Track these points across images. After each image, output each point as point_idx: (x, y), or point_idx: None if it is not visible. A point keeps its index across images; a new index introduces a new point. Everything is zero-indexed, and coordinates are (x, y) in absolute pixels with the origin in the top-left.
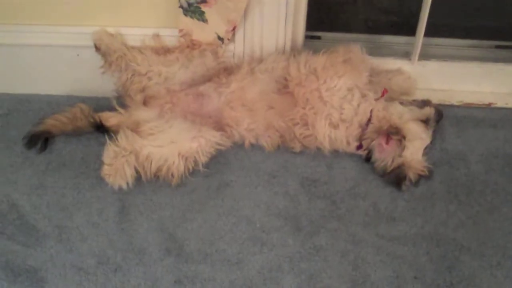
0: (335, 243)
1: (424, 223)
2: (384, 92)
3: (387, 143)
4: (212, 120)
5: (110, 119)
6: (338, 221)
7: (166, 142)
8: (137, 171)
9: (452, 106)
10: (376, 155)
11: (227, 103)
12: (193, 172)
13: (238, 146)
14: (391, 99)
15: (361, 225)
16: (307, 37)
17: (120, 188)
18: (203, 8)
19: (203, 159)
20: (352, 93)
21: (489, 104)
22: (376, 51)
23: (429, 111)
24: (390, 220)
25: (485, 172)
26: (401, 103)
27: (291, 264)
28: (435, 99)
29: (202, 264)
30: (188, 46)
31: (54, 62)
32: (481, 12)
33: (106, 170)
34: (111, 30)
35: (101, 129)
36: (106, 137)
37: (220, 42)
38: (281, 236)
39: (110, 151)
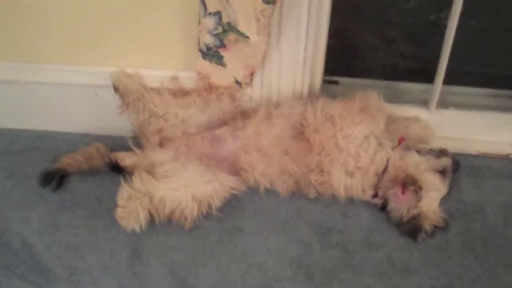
0: None
1: (439, 276)
2: (401, 140)
3: (403, 192)
4: (227, 164)
5: (125, 159)
6: (352, 271)
7: (180, 185)
8: (150, 214)
9: (469, 155)
10: (391, 205)
11: (243, 148)
12: (207, 216)
13: (253, 190)
14: (407, 147)
15: (375, 277)
16: (324, 82)
17: (133, 231)
18: (222, 52)
19: (217, 203)
20: (369, 141)
21: (507, 155)
22: (393, 97)
23: (446, 161)
24: (404, 272)
25: (502, 224)
26: (418, 152)
27: None
28: (452, 148)
29: None
30: (205, 89)
31: (72, 100)
32: (500, 60)
33: (119, 212)
34: (129, 71)
35: (116, 169)
36: (121, 178)
37: (237, 86)
38: (293, 285)
39: (124, 193)
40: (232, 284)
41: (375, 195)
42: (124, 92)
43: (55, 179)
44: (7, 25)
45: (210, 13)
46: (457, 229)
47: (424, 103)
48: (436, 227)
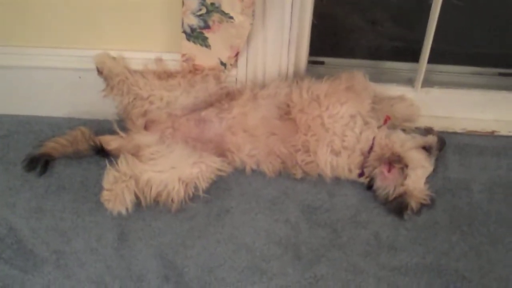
0: (335, 272)
1: (426, 253)
2: (387, 119)
3: (389, 171)
4: (213, 146)
5: (110, 142)
6: (339, 250)
7: (166, 167)
8: (136, 197)
9: (455, 133)
10: (378, 183)
11: (229, 129)
12: (193, 198)
13: (239, 171)
14: (393, 126)
15: (362, 255)
16: (310, 62)
17: (119, 214)
18: (206, 33)
19: (203, 184)
20: (355, 120)
21: (492, 132)
22: (379, 77)
23: (431, 139)
24: (391, 250)
25: (488, 201)
26: (404, 131)
27: None
28: (437, 127)
29: None
30: (190, 71)
31: (56, 84)
32: (484, 39)
33: (105, 195)
34: (113, 53)
35: (101, 152)
36: (106, 161)
37: (222, 67)
38: (281, 264)
39: (110, 176)
40: (220, 265)
41: (361, 174)
42: (108, 75)
43: (40, 163)
44: None
45: None
46: (443, 206)
47: (409, 82)
48: (422, 205)
